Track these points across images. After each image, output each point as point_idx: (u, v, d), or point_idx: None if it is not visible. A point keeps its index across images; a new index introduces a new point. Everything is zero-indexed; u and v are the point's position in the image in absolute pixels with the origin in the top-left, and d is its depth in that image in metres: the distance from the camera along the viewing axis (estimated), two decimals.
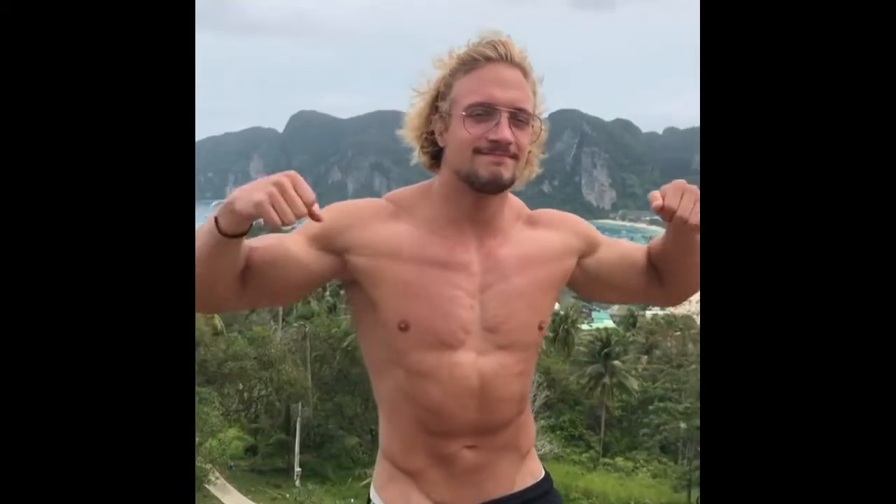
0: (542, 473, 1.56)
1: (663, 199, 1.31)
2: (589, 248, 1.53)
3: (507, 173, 1.34)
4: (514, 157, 1.34)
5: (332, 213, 1.40)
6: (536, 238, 1.47)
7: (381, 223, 1.40)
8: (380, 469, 1.50)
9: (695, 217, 1.30)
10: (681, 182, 1.33)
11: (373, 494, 1.49)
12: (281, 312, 41.80)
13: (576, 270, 1.52)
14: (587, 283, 1.55)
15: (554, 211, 1.55)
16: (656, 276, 1.54)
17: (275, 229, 1.19)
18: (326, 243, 1.38)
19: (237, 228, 1.21)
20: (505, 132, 1.31)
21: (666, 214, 1.32)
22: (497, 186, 1.35)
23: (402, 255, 1.38)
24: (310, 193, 1.18)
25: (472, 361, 1.38)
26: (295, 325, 37.46)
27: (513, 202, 1.48)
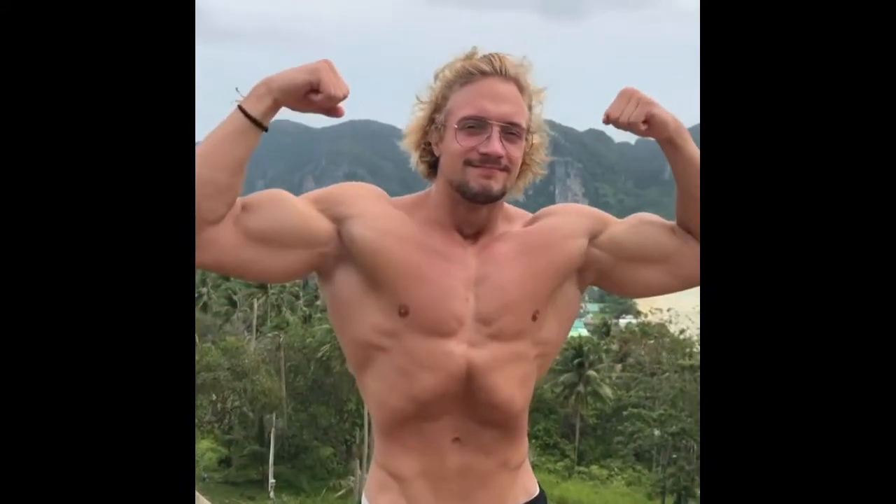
0: (537, 491, 1.54)
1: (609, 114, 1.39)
2: (599, 225, 1.49)
3: (496, 186, 1.36)
4: (506, 169, 1.36)
5: (336, 186, 1.45)
6: (536, 229, 1.47)
7: (386, 206, 1.43)
8: (372, 476, 1.49)
9: (626, 116, 1.37)
10: (623, 89, 1.40)
11: (364, 502, 1.49)
12: (255, 322, 41.54)
13: (596, 253, 1.48)
14: (615, 266, 1.48)
15: (558, 205, 1.55)
16: (688, 227, 1.46)
17: (327, 99, 1.30)
18: (327, 207, 1.39)
19: (267, 113, 1.30)
20: (495, 146, 1.33)
21: (614, 124, 1.39)
22: (487, 198, 1.37)
23: (408, 239, 1.40)
24: (346, 84, 1.32)
25: (463, 352, 1.39)
26: (269, 335, 37.23)
27: (509, 211, 1.49)
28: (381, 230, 1.39)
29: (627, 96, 1.38)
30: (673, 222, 1.49)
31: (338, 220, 1.39)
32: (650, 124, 1.38)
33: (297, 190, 1.41)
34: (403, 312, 1.37)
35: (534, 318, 1.43)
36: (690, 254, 1.44)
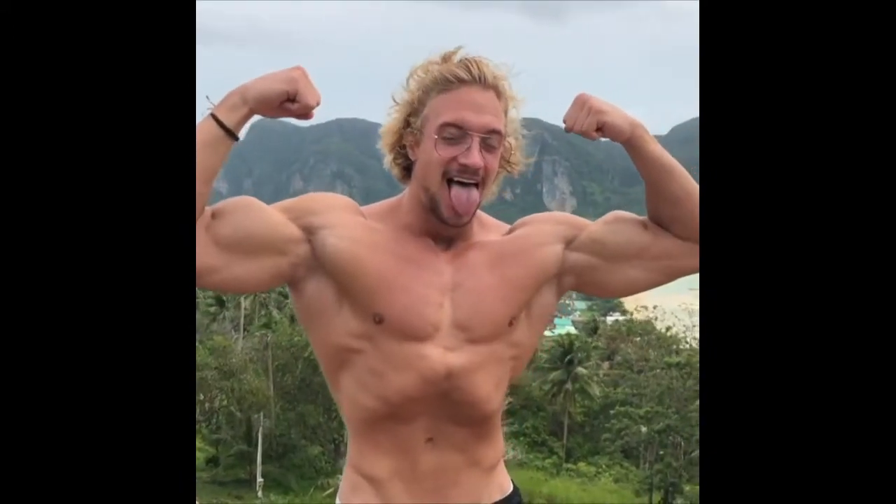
0: (511, 488, 1.55)
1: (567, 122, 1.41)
2: (573, 230, 1.49)
3: (465, 217, 1.37)
4: (483, 182, 1.36)
5: (306, 196, 1.44)
6: (509, 239, 1.48)
7: (358, 217, 1.43)
8: (345, 478, 1.49)
9: (578, 125, 1.39)
10: (577, 96, 1.41)
11: None
12: (242, 322, 41.34)
13: (574, 257, 1.48)
14: (596, 267, 1.48)
15: (533, 214, 1.55)
16: (660, 222, 1.48)
17: (302, 108, 1.32)
18: (297, 217, 1.39)
19: (240, 122, 1.31)
20: (475, 157, 1.33)
21: (569, 130, 1.41)
22: (458, 225, 1.39)
23: (380, 247, 1.39)
24: (318, 91, 1.34)
25: (439, 356, 1.39)
26: (257, 334, 37.07)
27: (486, 220, 1.50)
28: (352, 240, 1.38)
29: (580, 104, 1.39)
30: (645, 217, 1.50)
31: (309, 231, 1.38)
32: (604, 131, 1.40)
33: (284, 188, 1.43)
34: (378, 321, 1.37)
35: (510, 324, 1.44)
36: (663, 246, 1.47)
